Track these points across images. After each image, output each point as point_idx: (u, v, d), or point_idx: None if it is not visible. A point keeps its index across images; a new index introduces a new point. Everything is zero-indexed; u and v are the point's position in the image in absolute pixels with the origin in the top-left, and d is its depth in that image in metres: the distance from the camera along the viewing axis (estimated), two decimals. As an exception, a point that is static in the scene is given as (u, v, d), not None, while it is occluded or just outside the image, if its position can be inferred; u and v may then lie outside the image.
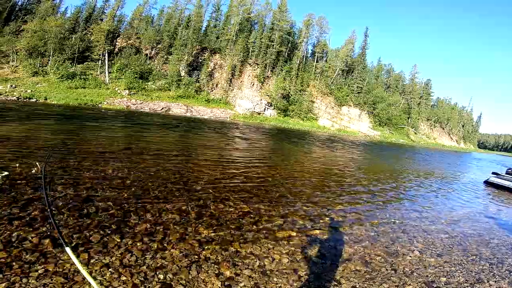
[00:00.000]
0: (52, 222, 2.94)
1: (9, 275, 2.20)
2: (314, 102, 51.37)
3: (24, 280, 2.17)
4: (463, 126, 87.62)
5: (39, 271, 2.30)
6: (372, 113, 56.97)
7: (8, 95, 24.95)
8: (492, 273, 3.44)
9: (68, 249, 1.79)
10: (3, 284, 2.11)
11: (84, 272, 1.72)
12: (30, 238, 2.74)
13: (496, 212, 7.09)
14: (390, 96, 63.49)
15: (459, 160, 27.84)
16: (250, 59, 48.86)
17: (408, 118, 66.02)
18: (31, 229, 2.90)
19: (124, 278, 2.35)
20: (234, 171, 7.21)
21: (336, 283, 2.77)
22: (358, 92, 56.18)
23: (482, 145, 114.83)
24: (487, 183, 11.66)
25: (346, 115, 54.07)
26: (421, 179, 10.64)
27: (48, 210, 2.60)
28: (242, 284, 2.52)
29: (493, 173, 12.56)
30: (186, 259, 2.77)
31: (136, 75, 38.73)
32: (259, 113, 44.41)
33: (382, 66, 74.04)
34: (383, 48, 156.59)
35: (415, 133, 64.63)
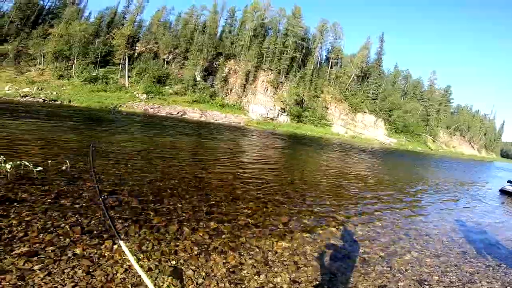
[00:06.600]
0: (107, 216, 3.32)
1: (43, 258, 2.55)
2: (328, 108, 51.18)
3: (57, 263, 2.52)
4: (485, 134, 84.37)
5: (69, 255, 2.67)
6: (388, 120, 56.00)
7: (34, 96, 26.52)
8: (486, 275, 3.56)
9: (121, 243, 2.12)
10: (38, 266, 2.45)
11: (136, 266, 2.07)
12: (62, 225, 3.15)
13: (505, 219, 7.03)
14: (407, 102, 62.20)
15: (476, 169, 26.95)
16: (264, 64, 49.32)
17: (427, 125, 64.35)
18: (63, 218, 3.31)
19: (141, 262, 2.70)
20: (245, 173, 7.53)
21: (331, 275, 3.01)
22: (374, 99, 55.46)
23: (505, 154, 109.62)
24: (503, 191, 11.39)
25: (360, 122, 53.44)
26: (431, 186, 10.54)
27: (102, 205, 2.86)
28: (245, 272, 2.81)
29: (508, 181, 12.24)
30: (197, 249, 3.09)
31: (154, 80, 40.03)
32: (272, 119, 44.66)
33: (399, 72, 72.76)
34: (400, 54, 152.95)
35: (434, 141, 62.87)
